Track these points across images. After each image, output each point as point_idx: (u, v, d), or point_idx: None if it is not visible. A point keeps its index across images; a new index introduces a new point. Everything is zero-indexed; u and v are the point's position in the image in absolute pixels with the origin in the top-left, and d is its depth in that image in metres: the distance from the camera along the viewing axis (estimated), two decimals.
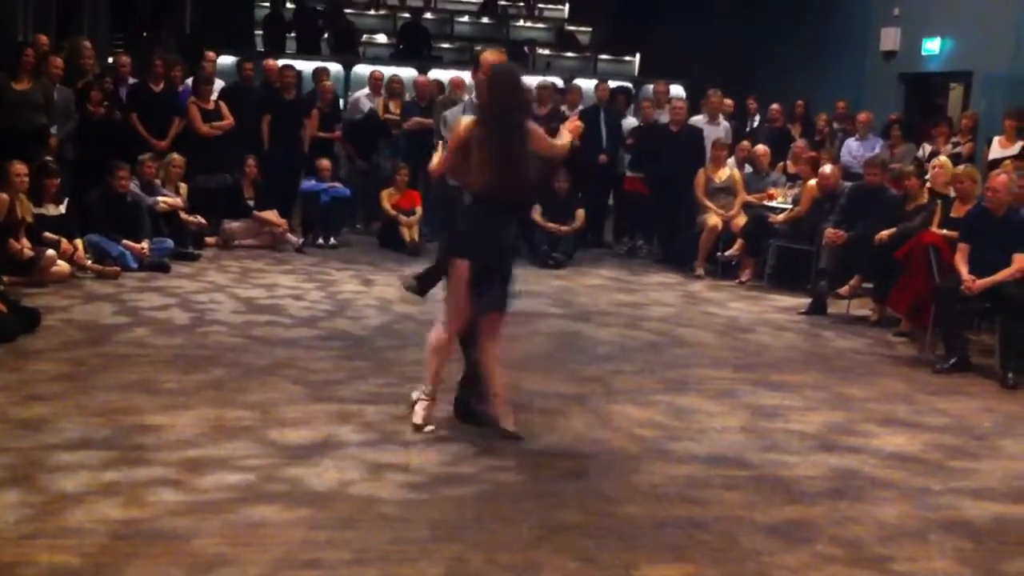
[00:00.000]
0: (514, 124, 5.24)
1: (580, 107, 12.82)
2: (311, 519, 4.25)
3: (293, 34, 17.88)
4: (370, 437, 5.30)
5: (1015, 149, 10.70)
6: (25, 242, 8.44)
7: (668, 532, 4.33)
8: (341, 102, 13.40)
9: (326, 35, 17.99)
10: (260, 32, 17.85)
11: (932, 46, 13.89)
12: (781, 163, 12.10)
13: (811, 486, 4.98)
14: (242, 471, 4.72)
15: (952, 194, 8.68)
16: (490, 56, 5.57)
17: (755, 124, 13.58)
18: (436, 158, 5.80)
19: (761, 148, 11.83)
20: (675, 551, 4.15)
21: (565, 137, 5.60)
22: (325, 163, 11.97)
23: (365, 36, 18.63)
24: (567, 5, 22.57)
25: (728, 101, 13.04)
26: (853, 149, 12.22)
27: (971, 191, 8.21)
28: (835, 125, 13.14)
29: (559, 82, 14.34)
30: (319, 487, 4.60)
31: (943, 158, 9.86)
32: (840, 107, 13.23)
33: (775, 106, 13.13)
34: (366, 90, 13.33)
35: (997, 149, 10.84)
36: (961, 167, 8.80)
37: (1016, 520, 4.71)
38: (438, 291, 5.64)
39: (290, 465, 4.83)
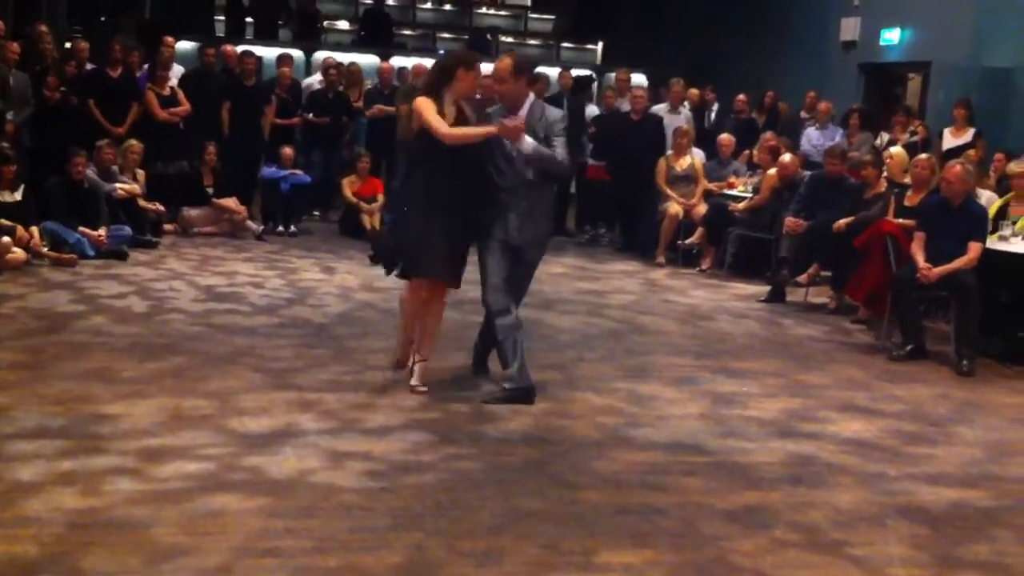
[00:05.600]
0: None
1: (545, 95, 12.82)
2: (271, 508, 4.23)
3: (250, 20, 17.71)
4: (330, 425, 5.28)
5: (967, 137, 10.82)
6: None
7: (628, 518, 4.35)
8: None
9: (281, 21, 17.84)
10: (220, 18, 17.67)
11: (891, 36, 14.03)
12: (747, 151, 12.16)
13: (769, 472, 5.03)
14: (201, 460, 4.69)
15: (908, 180, 8.77)
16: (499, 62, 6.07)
17: (712, 117, 13.59)
18: None
19: (725, 137, 11.89)
20: (635, 537, 4.17)
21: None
22: (288, 151, 11.89)
23: (326, 22, 18.50)
24: None
25: (694, 91, 13.08)
26: (813, 138, 12.30)
27: (928, 179, 8.29)
28: (803, 115, 13.19)
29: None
30: (279, 476, 4.58)
31: (895, 149, 9.94)
32: (810, 97, 13.23)
33: (741, 96, 13.18)
34: (318, 75, 13.40)
35: (949, 139, 10.97)
36: (924, 156, 8.88)
37: (971, 505, 4.77)
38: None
39: (249, 454, 4.81)
